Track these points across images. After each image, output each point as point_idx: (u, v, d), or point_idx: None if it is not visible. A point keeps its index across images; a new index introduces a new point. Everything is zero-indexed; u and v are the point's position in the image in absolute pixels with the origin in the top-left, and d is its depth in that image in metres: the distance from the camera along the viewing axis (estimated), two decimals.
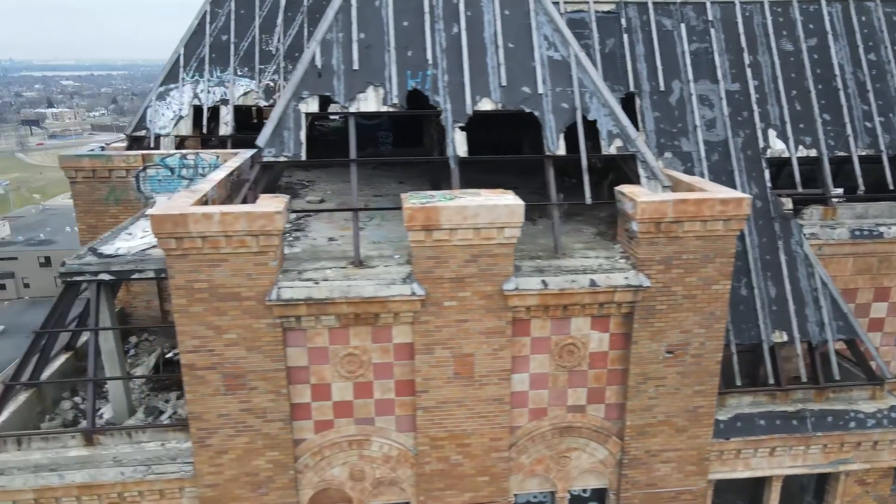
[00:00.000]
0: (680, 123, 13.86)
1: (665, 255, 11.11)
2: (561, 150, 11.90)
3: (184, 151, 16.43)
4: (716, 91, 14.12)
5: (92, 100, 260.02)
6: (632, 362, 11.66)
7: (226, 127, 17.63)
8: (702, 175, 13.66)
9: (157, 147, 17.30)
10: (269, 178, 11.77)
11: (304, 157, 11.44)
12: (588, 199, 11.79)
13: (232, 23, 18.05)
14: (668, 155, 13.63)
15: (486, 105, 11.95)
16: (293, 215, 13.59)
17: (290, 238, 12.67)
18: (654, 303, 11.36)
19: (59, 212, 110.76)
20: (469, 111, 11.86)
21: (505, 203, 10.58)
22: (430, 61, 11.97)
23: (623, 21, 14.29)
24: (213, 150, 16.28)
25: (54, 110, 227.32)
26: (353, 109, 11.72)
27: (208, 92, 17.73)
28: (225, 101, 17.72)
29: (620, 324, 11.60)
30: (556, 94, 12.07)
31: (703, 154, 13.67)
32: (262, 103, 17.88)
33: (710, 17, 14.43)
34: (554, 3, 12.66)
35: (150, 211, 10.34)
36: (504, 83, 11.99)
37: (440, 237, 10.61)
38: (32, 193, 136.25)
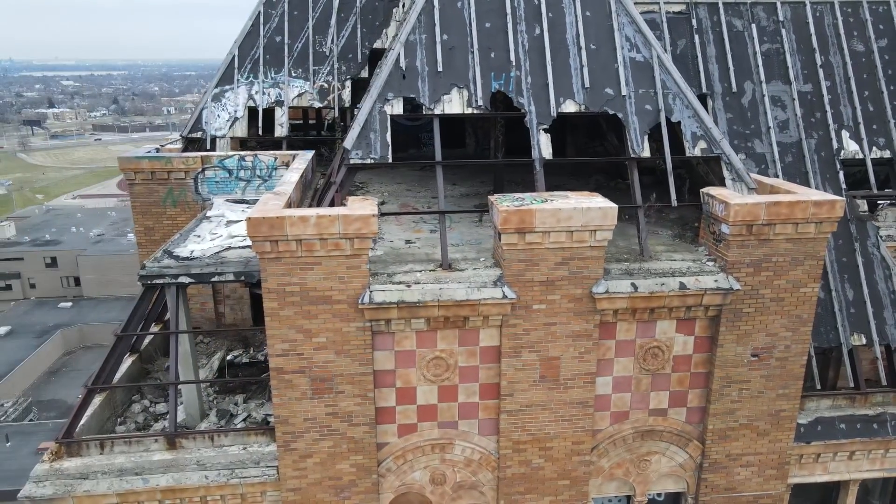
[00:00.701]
0: (753, 125, 13.80)
1: (755, 258, 11.05)
2: (646, 153, 11.84)
3: (242, 153, 16.35)
4: (788, 92, 14.08)
5: (93, 100, 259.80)
6: (716, 365, 11.60)
7: (280, 128, 17.55)
8: (776, 177, 13.61)
9: (212, 148, 17.22)
10: (352, 180, 11.68)
11: (390, 159, 11.36)
12: (673, 202, 11.73)
13: (286, 24, 17.97)
14: (741, 156, 13.57)
15: (569, 107, 11.88)
16: None
17: None
18: (742, 306, 11.30)
19: (64, 212, 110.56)
20: (553, 113, 11.79)
21: (598, 206, 10.51)
22: (514, 63, 11.90)
23: (694, 22, 14.24)
24: (271, 152, 16.20)
25: (55, 110, 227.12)
26: (437, 111, 11.64)
27: (263, 93, 17.65)
28: (280, 103, 17.64)
29: (706, 327, 11.54)
30: (640, 96, 12.00)
31: (776, 156, 13.62)
32: (317, 104, 17.81)
33: (781, 18, 14.39)
34: None
35: (247, 213, 10.26)
36: (587, 85, 11.92)
37: (533, 240, 10.54)
38: (35, 193, 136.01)
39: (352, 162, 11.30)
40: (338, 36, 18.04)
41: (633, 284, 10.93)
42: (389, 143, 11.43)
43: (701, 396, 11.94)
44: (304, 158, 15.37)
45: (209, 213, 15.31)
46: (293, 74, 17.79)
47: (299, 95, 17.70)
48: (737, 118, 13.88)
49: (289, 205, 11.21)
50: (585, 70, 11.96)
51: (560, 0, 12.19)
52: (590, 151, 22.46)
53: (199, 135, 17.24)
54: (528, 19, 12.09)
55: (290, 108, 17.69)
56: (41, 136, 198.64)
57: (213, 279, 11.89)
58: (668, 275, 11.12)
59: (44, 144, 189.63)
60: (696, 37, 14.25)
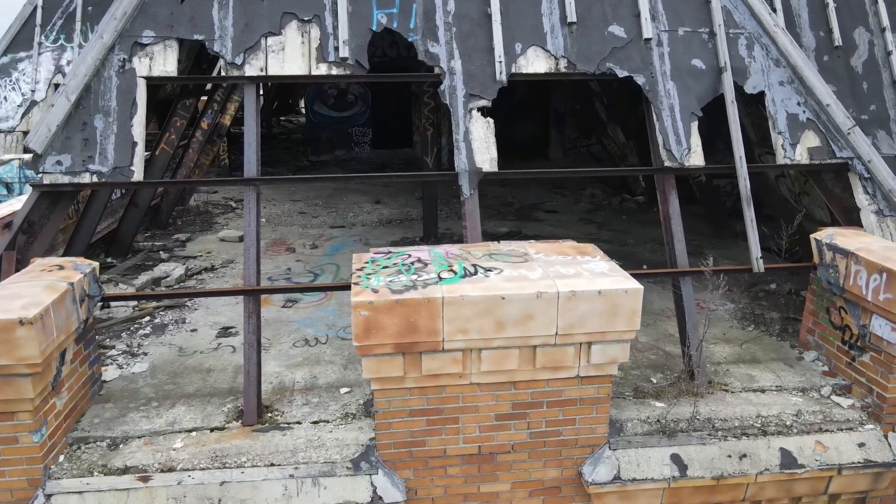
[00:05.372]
0: (873, 104, 7.68)
1: None
2: (696, 158, 5.68)
3: (29, 157, 10.25)
4: None
5: None
6: None
7: None
8: None
9: None
10: (60, 215, 5.49)
11: (140, 174, 5.19)
12: (757, 265, 5.55)
13: None
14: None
15: (535, 63, 5.73)
16: (126, 304, 7.38)
17: (147, 330, 6.45)
18: None
19: None
20: (501, 75, 5.63)
21: (597, 288, 4.37)
22: None
23: None
24: None
25: None
26: (253, 72, 5.47)
27: None
28: None
29: None
30: (680, 41, 5.86)
31: None
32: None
33: None
34: None
35: None
36: (573, 17, 5.76)
37: (440, 369, 4.41)
38: None
39: (45, 180, 5.11)
40: None
41: (676, 460, 4.79)
42: (139, 140, 5.25)
43: None
44: None
45: None
46: None
47: None
48: (844, 92, 7.76)
49: None
50: None
51: None
52: (582, 153, 16.31)
53: None
54: None
55: None
56: None
57: None
58: (750, 432, 4.97)
59: None
60: None
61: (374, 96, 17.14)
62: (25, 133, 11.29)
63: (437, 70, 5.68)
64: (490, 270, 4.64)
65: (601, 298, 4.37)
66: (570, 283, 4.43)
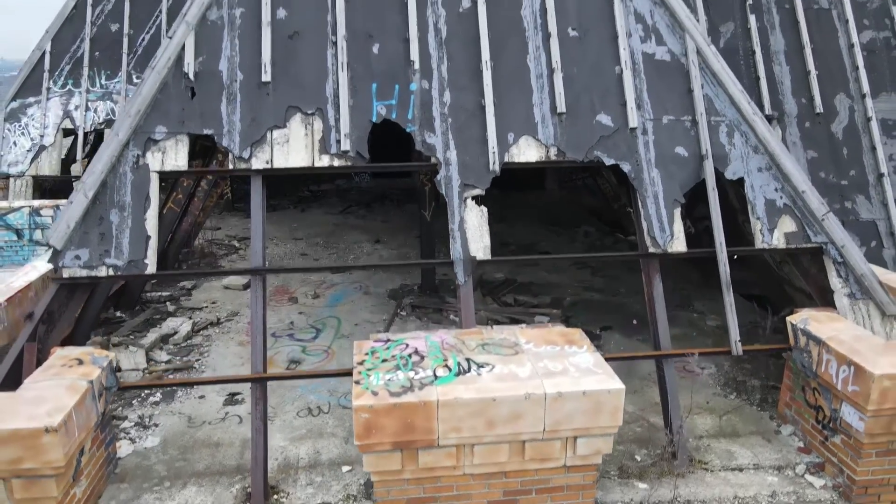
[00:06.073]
0: (852, 170, 7.99)
1: None
2: (678, 244, 6.01)
3: (39, 204, 10.59)
4: None
5: None
6: None
7: None
8: None
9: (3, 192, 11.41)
10: (78, 304, 5.82)
11: (153, 267, 5.51)
12: (736, 348, 5.87)
13: (126, 6, 12.10)
14: None
15: (527, 152, 6.05)
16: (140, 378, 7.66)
17: (157, 396, 6.76)
18: None
19: None
20: (494, 165, 5.95)
21: (582, 388, 4.69)
22: (417, 65, 6.06)
23: None
24: None
25: None
26: (259, 165, 5.78)
27: (87, 109, 11.81)
28: (113, 123, 11.76)
29: None
30: (664, 129, 6.17)
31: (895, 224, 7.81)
32: None
33: None
34: None
35: None
36: (562, 108, 6.08)
37: (436, 463, 4.73)
38: None
39: (65, 275, 5.43)
40: None
41: None
42: (153, 234, 5.57)
43: None
44: None
45: None
46: (137, 79, 11.91)
47: None
48: (824, 158, 8.08)
49: None
50: (559, 79, 6.12)
51: None
52: (578, 186, 16.65)
53: None
54: None
55: None
56: None
57: None
58: None
59: None
60: (752, 18, 8.43)
61: (374, 127, 17.45)
62: (35, 178, 11.60)
63: (433, 160, 6.00)
64: (482, 367, 4.96)
65: (585, 398, 4.69)
66: (557, 383, 4.75)
